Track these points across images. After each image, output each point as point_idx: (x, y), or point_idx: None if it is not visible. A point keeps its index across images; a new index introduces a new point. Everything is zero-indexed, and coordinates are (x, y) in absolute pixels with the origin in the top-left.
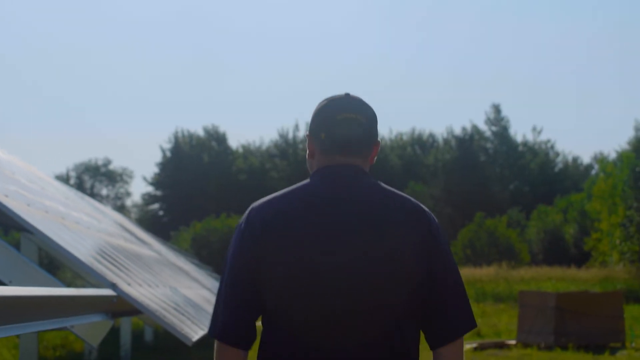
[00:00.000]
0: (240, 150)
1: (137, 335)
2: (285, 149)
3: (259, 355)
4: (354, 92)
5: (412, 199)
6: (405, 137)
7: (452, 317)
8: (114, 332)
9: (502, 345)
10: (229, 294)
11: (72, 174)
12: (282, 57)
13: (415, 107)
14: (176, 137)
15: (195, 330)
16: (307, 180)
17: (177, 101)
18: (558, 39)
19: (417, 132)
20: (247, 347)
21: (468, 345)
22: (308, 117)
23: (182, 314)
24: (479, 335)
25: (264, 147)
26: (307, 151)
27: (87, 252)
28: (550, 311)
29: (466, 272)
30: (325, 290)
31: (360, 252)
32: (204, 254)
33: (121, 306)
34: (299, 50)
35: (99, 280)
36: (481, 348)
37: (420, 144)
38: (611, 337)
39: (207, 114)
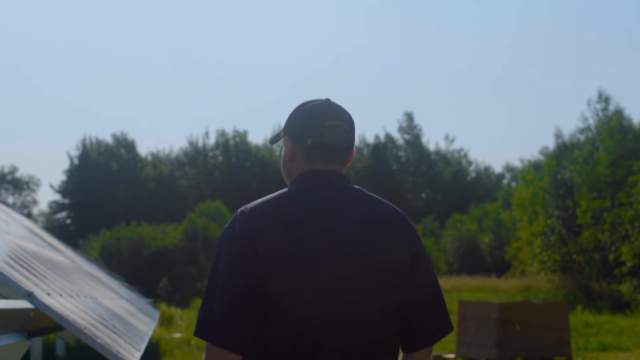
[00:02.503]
0: (150, 158)
1: (47, 349)
2: (195, 156)
3: (256, 356)
4: (263, 94)
5: (390, 203)
6: None
7: (433, 322)
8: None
9: (440, 359)
10: (224, 297)
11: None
12: (190, 64)
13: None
14: (84, 144)
15: (131, 352)
16: (293, 186)
17: (85, 108)
18: (472, 45)
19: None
20: (242, 351)
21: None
22: (217, 125)
23: (112, 330)
24: None
25: (173, 155)
26: (286, 155)
27: None
28: (492, 323)
29: None
30: (325, 293)
31: (357, 256)
32: (114, 263)
33: (38, 322)
34: (208, 56)
35: (12, 288)
36: None
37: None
38: (556, 349)
39: (115, 121)
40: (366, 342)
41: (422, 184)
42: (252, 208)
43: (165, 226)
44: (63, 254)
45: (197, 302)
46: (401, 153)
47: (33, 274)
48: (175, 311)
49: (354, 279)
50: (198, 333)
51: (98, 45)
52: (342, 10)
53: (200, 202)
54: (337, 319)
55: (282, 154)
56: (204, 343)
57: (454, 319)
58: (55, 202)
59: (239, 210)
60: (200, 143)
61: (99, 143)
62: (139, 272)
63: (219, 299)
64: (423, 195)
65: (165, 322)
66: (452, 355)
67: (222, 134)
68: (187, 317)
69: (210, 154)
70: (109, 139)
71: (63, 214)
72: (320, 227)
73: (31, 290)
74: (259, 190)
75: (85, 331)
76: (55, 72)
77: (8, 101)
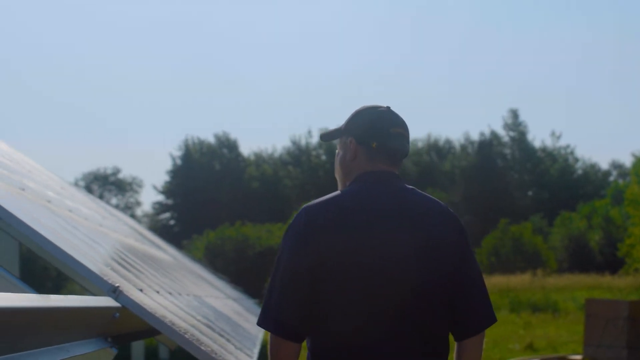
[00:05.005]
0: (253, 157)
1: (149, 352)
2: (298, 155)
3: (310, 348)
4: (367, 97)
5: (441, 202)
6: (420, 144)
7: (478, 312)
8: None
9: None
10: (286, 289)
11: (81, 183)
12: (294, 64)
13: (431, 113)
14: (186, 145)
15: (241, 359)
16: (355, 185)
17: (187, 108)
18: (577, 42)
19: (432, 138)
20: (302, 340)
21: None
22: (321, 124)
23: (220, 334)
24: (532, 348)
25: (276, 155)
26: (347, 154)
27: (81, 245)
28: (622, 322)
29: (496, 281)
30: (381, 284)
31: (414, 248)
32: (218, 263)
33: (128, 324)
34: (311, 57)
35: (95, 283)
36: None
37: (437, 150)
38: None
39: (218, 121)
40: (421, 337)
41: (528, 181)
42: (317, 205)
43: (270, 226)
44: (165, 252)
45: None
46: (506, 150)
47: (125, 268)
48: None
49: (408, 274)
50: (261, 323)
51: (204, 45)
52: (447, 5)
53: (304, 201)
54: (392, 315)
55: (341, 152)
56: None
57: (580, 318)
58: (159, 203)
59: (303, 206)
60: (303, 142)
61: (201, 143)
62: (243, 272)
63: (281, 291)
64: (529, 193)
65: None
66: (578, 357)
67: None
68: None
69: (314, 153)
70: (211, 139)
71: (166, 215)
72: (379, 225)
73: (117, 283)
74: None
75: (187, 335)
76: (157, 73)
77: (111, 103)
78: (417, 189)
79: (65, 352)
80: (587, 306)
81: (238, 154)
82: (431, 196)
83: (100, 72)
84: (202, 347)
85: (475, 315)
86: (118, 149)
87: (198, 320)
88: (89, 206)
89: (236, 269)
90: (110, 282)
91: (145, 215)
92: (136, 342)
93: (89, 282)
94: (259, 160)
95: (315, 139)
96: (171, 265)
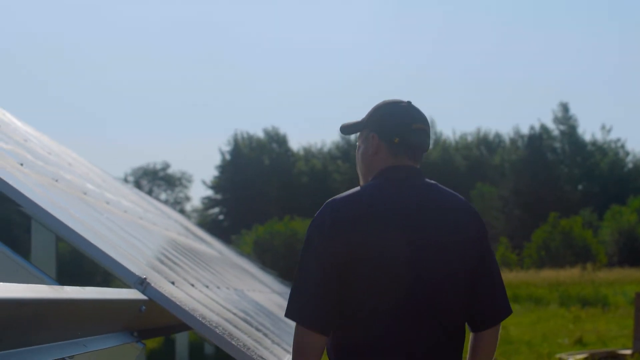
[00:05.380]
0: (302, 152)
1: (195, 347)
2: (347, 150)
3: (335, 342)
4: (418, 90)
5: (461, 197)
6: (470, 138)
7: (495, 305)
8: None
9: (615, 356)
10: (313, 282)
11: (131, 178)
12: (342, 59)
13: (480, 107)
14: (235, 140)
15: (279, 354)
16: (378, 180)
17: (236, 103)
18: (628, 35)
19: (482, 132)
20: (328, 333)
21: (579, 356)
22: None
23: (257, 328)
24: (581, 343)
25: (325, 149)
26: (369, 149)
27: (112, 237)
28: None
29: (546, 275)
30: (406, 281)
31: (437, 243)
32: (267, 258)
33: (158, 318)
34: (357, 51)
35: (121, 275)
36: (593, 359)
37: (486, 144)
38: None
39: (266, 116)
40: (445, 332)
41: (578, 175)
42: (341, 200)
43: None
44: (211, 246)
45: None
46: (557, 144)
47: (160, 260)
48: None
49: (430, 268)
50: (288, 314)
51: (252, 41)
52: None
53: None
54: (417, 311)
55: (362, 146)
56: None
57: (630, 312)
58: (208, 198)
59: (328, 201)
60: (352, 136)
61: (251, 138)
62: (293, 267)
63: (308, 284)
64: (580, 187)
65: None
66: (628, 351)
67: None
68: None
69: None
70: (260, 134)
71: (216, 210)
72: (403, 219)
73: (145, 274)
74: None
75: (217, 330)
76: (207, 68)
77: (161, 99)
78: (439, 184)
79: (82, 347)
80: (637, 300)
81: (287, 149)
82: (453, 191)
83: (152, 68)
84: (233, 342)
85: (493, 308)
86: (168, 144)
87: (235, 314)
88: (132, 199)
89: (285, 263)
90: (137, 274)
91: (195, 210)
92: (181, 337)
93: (117, 274)
94: (308, 154)
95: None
96: (215, 259)
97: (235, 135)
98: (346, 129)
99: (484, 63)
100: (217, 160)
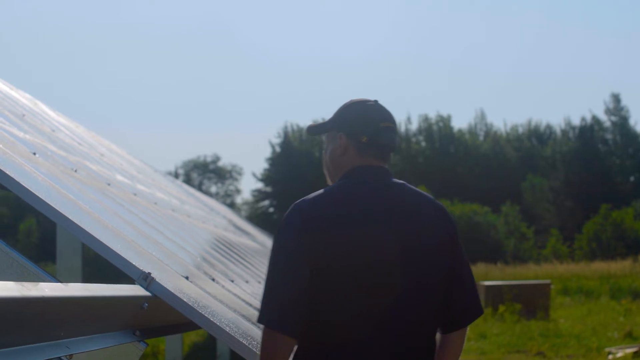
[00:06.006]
0: None
1: None
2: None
3: (304, 343)
4: (469, 82)
5: (430, 196)
6: (521, 129)
7: (466, 306)
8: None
9: None
10: (284, 285)
11: (181, 171)
12: (393, 50)
13: (531, 99)
14: (285, 132)
15: None
16: (346, 180)
17: (286, 95)
18: None
19: (533, 123)
20: (297, 336)
21: (629, 350)
22: (420, 110)
23: None
24: (631, 337)
25: None
26: (337, 149)
27: (128, 230)
28: None
29: (597, 267)
30: (375, 282)
31: (404, 247)
32: None
33: (165, 316)
34: (406, 43)
35: (124, 270)
36: None
37: (537, 135)
38: None
39: (316, 108)
40: (414, 334)
41: (630, 167)
42: (309, 201)
43: None
44: (254, 239)
45: None
46: (608, 135)
47: (179, 254)
48: None
49: (401, 271)
50: (260, 319)
51: (296, 35)
52: None
53: None
54: (386, 312)
55: (330, 147)
56: None
57: None
58: (258, 191)
59: (295, 203)
60: (403, 128)
61: (300, 130)
62: None
63: (279, 288)
64: (631, 179)
65: None
66: None
67: (425, 119)
68: None
69: (413, 139)
70: None
71: (266, 202)
72: (372, 219)
73: (149, 270)
74: (463, 176)
75: (227, 328)
76: (256, 60)
77: (211, 92)
78: (407, 184)
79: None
80: None
81: None
82: (421, 191)
83: (199, 62)
84: (244, 341)
85: (464, 309)
86: (218, 137)
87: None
88: (170, 192)
89: None
90: (141, 268)
91: (245, 202)
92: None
93: (121, 268)
94: None
95: (414, 126)
96: (254, 252)
97: (285, 127)
98: (313, 129)
99: (535, 54)
100: (267, 152)
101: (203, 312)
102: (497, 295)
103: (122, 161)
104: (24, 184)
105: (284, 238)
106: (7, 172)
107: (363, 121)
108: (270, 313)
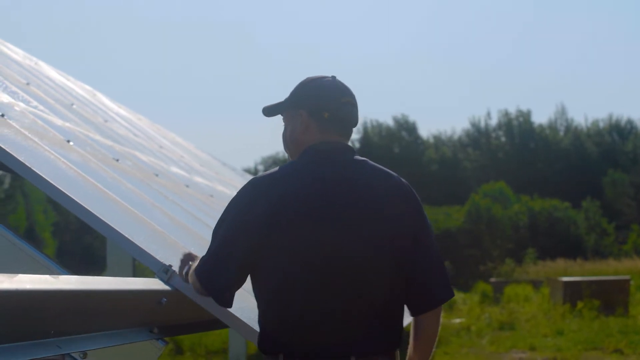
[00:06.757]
0: (432, 140)
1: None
2: (477, 138)
3: (264, 324)
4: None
5: (394, 174)
6: (602, 124)
7: (435, 287)
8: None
9: None
10: (226, 257)
11: (260, 167)
12: (472, 45)
13: (612, 93)
14: (365, 128)
15: None
16: (306, 157)
17: (365, 91)
18: None
19: (614, 118)
20: (221, 302)
21: None
22: (500, 105)
23: None
24: None
25: (455, 137)
26: (297, 126)
27: (162, 221)
28: None
29: None
30: (334, 264)
31: (360, 219)
32: None
33: (187, 312)
34: (486, 36)
35: (145, 262)
36: None
37: (618, 130)
38: None
39: (395, 104)
40: (376, 316)
41: None
42: (263, 177)
43: (447, 208)
44: None
45: (481, 286)
46: None
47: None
48: (458, 295)
49: (363, 252)
50: (195, 275)
51: (381, 29)
52: None
53: (483, 184)
54: (346, 293)
55: (289, 126)
56: (484, 330)
57: None
58: None
59: (251, 179)
60: (482, 124)
61: (380, 126)
62: None
63: (218, 255)
64: None
65: (446, 306)
66: None
67: (504, 114)
68: (469, 302)
69: (493, 134)
70: (389, 122)
71: None
72: (331, 197)
73: (170, 262)
74: (543, 171)
75: (255, 326)
76: (333, 57)
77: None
78: (369, 160)
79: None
80: None
81: (417, 137)
82: (383, 168)
83: (278, 57)
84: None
85: (432, 290)
86: None
87: None
88: (235, 185)
89: None
90: (161, 259)
91: None
92: None
93: (142, 262)
94: (438, 142)
95: (494, 121)
96: None
97: (365, 123)
98: (269, 110)
99: (616, 48)
100: None
101: (228, 309)
102: (576, 291)
103: (184, 153)
104: (26, 163)
105: (231, 209)
106: (16, 155)
107: (324, 97)
108: (203, 272)
